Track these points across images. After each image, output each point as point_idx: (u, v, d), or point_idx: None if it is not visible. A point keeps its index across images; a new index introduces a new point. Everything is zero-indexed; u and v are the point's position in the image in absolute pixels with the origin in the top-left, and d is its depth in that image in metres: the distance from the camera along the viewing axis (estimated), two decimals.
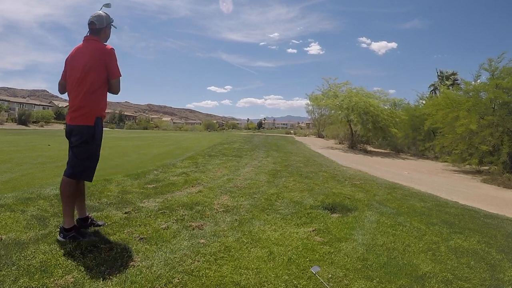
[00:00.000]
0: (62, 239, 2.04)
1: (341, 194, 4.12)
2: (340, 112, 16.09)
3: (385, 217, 3.20)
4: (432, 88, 31.04)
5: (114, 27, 2.36)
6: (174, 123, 70.20)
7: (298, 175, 5.51)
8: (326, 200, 3.73)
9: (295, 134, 31.88)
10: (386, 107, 16.20)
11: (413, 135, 15.52)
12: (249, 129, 72.24)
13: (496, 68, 9.63)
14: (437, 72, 31.60)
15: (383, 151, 17.18)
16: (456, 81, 29.13)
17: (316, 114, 28.63)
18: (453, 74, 30.63)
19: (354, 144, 16.55)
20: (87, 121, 2.09)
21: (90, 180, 2.22)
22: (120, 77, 2.21)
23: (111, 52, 2.15)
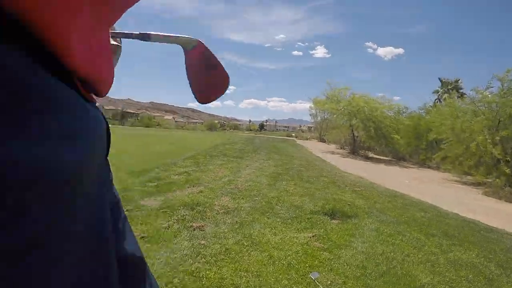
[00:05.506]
0: None
1: (342, 200, 4.13)
2: (342, 116, 16.09)
3: (385, 226, 3.20)
4: (436, 96, 31.04)
5: None
6: (176, 121, 70.34)
7: (299, 179, 5.52)
8: (327, 205, 3.73)
9: (296, 137, 31.87)
10: (390, 114, 16.18)
11: (415, 143, 15.46)
12: (250, 130, 72.26)
13: (506, 79, 9.46)
14: (441, 80, 31.63)
15: (384, 158, 17.13)
16: (459, 90, 29.13)
17: (319, 118, 28.65)
18: (456, 81, 30.62)
19: (356, 150, 16.51)
20: None
21: None
22: None
23: None
